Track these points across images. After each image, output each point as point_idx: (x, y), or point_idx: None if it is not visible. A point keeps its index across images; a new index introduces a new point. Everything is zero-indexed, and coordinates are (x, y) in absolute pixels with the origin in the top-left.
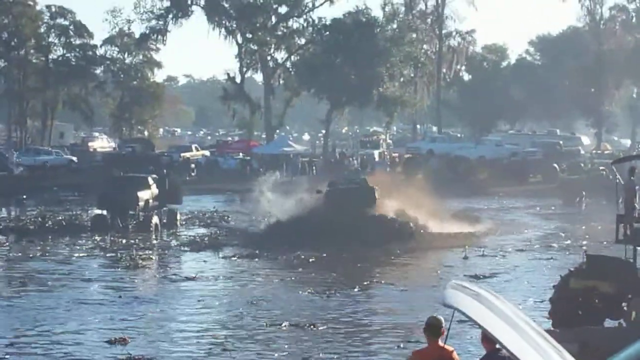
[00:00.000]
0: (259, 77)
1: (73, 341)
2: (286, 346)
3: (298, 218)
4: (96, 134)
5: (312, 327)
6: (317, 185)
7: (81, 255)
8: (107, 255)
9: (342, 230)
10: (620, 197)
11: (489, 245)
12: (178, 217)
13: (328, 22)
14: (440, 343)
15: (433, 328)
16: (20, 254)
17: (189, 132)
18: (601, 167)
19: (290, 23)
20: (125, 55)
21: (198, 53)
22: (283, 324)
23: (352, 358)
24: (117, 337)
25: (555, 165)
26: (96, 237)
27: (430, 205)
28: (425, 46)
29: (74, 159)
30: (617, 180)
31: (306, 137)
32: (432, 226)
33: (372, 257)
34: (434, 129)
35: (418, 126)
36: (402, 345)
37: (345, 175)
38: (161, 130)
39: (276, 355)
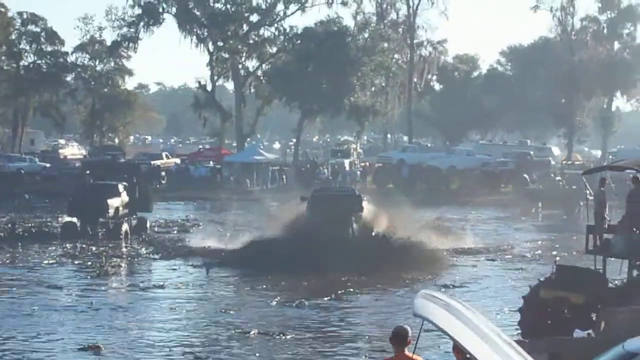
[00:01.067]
0: (230, 85)
1: (44, 348)
2: (257, 354)
3: (279, 237)
4: (62, 141)
5: (281, 335)
6: (289, 194)
7: (50, 262)
8: (77, 262)
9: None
10: (591, 209)
11: (459, 255)
12: (148, 225)
13: (300, 31)
14: (408, 353)
15: (399, 337)
16: None
17: (161, 140)
18: (557, 178)
19: (261, 31)
20: (97, 63)
21: (169, 61)
22: (252, 332)
23: None
24: (90, 345)
25: (526, 175)
26: (66, 245)
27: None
28: (396, 55)
29: (48, 165)
30: (587, 192)
31: (277, 145)
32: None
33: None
34: (405, 138)
35: (389, 135)
36: (367, 355)
37: (331, 185)
38: (132, 137)
39: None
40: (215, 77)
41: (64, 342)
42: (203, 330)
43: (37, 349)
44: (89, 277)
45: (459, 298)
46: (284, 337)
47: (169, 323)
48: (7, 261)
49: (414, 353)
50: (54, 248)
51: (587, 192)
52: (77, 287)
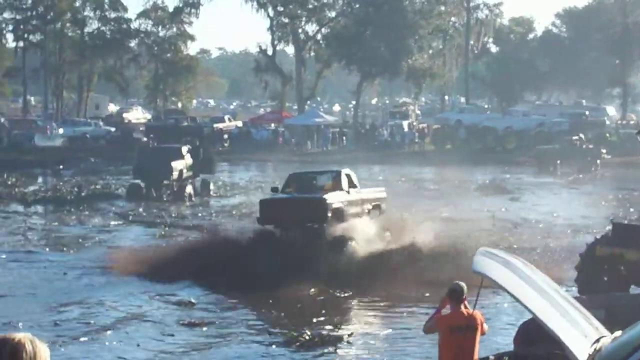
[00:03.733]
0: (290, 49)
1: (134, 304)
2: None
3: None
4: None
5: None
6: (349, 156)
7: (118, 223)
8: (143, 223)
9: None
10: None
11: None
12: (211, 187)
13: None
14: (464, 309)
15: (455, 294)
16: (57, 223)
17: (232, 105)
18: (574, 137)
19: None
20: (160, 29)
21: (231, 26)
22: None
23: None
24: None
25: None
26: (131, 206)
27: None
28: (453, 18)
29: (112, 129)
30: None
31: (337, 108)
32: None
33: None
34: (462, 100)
35: (446, 97)
36: None
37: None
38: (195, 101)
39: None
40: (276, 42)
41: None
42: None
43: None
44: (155, 237)
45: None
46: None
47: None
48: (74, 223)
49: (474, 309)
50: (119, 210)
51: None
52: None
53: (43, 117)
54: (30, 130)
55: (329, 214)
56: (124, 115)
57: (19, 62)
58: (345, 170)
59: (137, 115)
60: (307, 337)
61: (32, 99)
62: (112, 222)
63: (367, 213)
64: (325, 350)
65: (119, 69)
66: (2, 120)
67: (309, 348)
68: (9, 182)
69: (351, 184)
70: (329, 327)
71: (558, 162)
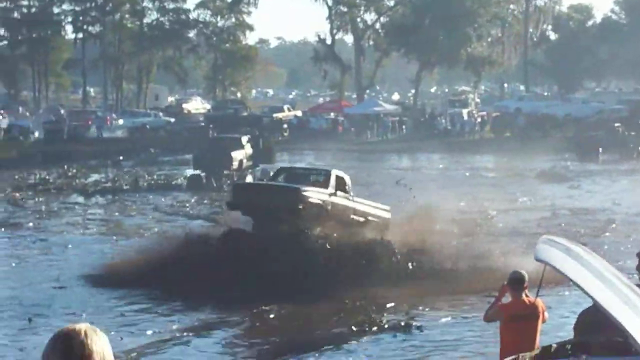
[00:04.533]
0: (349, 38)
1: None
2: None
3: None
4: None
5: None
6: (408, 145)
7: (177, 214)
8: (204, 212)
9: None
10: None
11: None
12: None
13: None
14: (525, 297)
15: (516, 282)
16: (117, 213)
17: (291, 95)
18: (616, 124)
19: None
20: (218, 19)
21: (289, 15)
22: None
23: None
24: None
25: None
26: (192, 197)
27: None
28: (512, 6)
29: (171, 120)
30: None
31: (396, 96)
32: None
33: None
34: (521, 87)
35: (505, 85)
36: None
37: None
38: (254, 91)
39: None
40: (335, 31)
41: None
42: None
43: None
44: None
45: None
46: None
47: None
48: (134, 213)
49: (537, 297)
50: (180, 200)
51: None
52: None
53: (102, 108)
54: (98, 121)
55: (301, 206)
56: (183, 105)
57: (78, 53)
58: (336, 172)
59: (196, 105)
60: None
61: (91, 90)
62: (171, 214)
63: (354, 223)
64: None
65: (178, 60)
66: (62, 111)
67: (378, 333)
68: (69, 174)
69: (341, 188)
70: (395, 315)
71: (600, 149)
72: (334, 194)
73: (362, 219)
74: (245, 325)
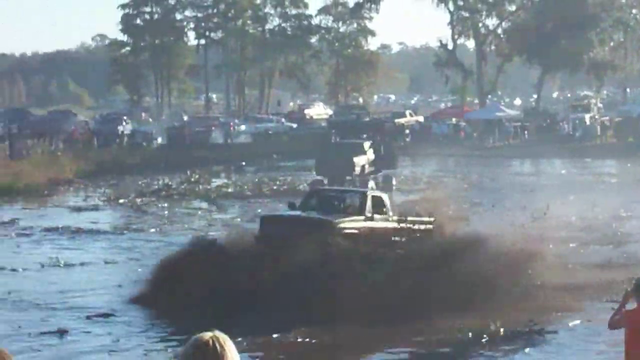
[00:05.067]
0: (470, 43)
1: None
2: None
3: None
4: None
5: None
6: (529, 150)
7: None
8: None
9: None
10: None
11: None
12: (393, 182)
13: None
14: None
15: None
16: (239, 219)
17: (413, 100)
18: None
19: None
20: (340, 24)
21: (411, 21)
22: None
23: None
24: None
25: None
26: None
27: None
28: (634, 10)
29: (294, 125)
30: None
31: (517, 101)
32: None
33: None
34: None
35: (628, 90)
36: None
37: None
38: (375, 96)
39: None
40: (456, 36)
41: None
42: None
43: None
44: None
45: None
46: None
47: None
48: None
49: None
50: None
51: None
52: None
53: (225, 114)
54: (224, 127)
55: (331, 240)
56: (306, 111)
57: (201, 59)
58: (372, 192)
59: (319, 110)
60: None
61: (213, 96)
62: None
63: (397, 244)
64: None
65: (300, 65)
66: (185, 117)
67: (499, 343)
68: (192, 179)
69: (378, 209)
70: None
71: None
72: (371, 218)
73: (404, 239)
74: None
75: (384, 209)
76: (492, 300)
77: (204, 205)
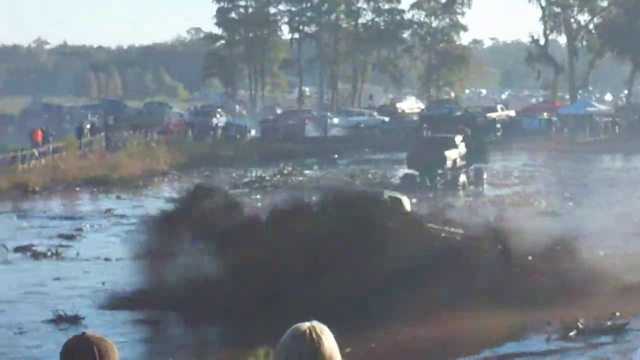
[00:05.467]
0: (562, 39)
1: None
2: None
3: None
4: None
5: None
6: (620, 145)
7: None
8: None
9: None
10: None
11: None
12: (484, 176)
13: None
14: None
15: None
16: None
17: (504, 95)
18: None
19: None
20: (432, 19)
21: (502, 16)
22: None
23: None
24: None
25: None
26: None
27: None
28: None
29: (386, 119)
30: None
31: (609, 97)
32: None
33: None
34: None
35: None
36: None
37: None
38: (467, 91)
39: None
40: (548, 31)
41: None
42: None
43: None
44: None
45: None
46: None
47: None
48: None
49: None
50: None
51: None
52: None
53: (318, 107)
54: (322, 120)
55: None
56: (397, 105)
57: (294, 53)
58: (389, 193)
59: (411, 104)
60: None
61: (307, 89)
62: None
63: None
64: (603, 340)
65: (393, 60)
66: (278, 110)
67: (586, 336)
68: (285, 172)
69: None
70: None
71: None
72: None
73: None
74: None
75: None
76: (587, 295)
77: None
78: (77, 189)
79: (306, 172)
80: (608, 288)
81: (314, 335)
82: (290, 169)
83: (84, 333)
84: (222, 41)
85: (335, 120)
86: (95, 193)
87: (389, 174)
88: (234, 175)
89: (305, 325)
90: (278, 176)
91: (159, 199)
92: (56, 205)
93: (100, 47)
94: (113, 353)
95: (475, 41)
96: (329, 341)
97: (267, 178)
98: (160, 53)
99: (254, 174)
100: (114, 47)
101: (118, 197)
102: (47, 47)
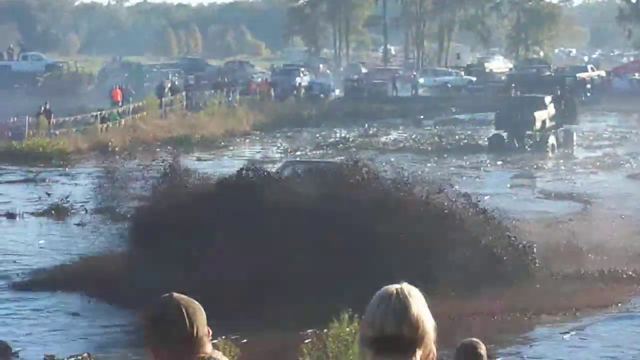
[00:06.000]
0: None
1: None
2: None
3: None
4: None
5: None
6: None
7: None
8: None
9: None
10: None
11: None
12: (574, 138)
13: None
14: None
15: None
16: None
17: (594, 54)
18: None
19: None
20: None
21: None
22: None
23: None
24: None
25: None
26: (493, 156)
27: None
28: None
29: (473, 79)
30: None
31: None
32: None
33: None
34: None
35: None
36: None
37: None
38: (556, 50)
39: None
40: None
41: None
42: None
43: None
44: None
45: None
46: None
47: None
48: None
49: None
50: (482, 160)
51: None
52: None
53: (404, 66)
54: (412, 80)
55: None
56: (485, 64)
57: (379, 11)
58: None
59: (498, 64)
60: None
61: (392, 48)
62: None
63: None
64: None
65: (480, 18)
66: (363, 69)
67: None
68: (370, 132)
69: None
70: None
71: None
72: None
73: None
74: None
75: None
76: None
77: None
78: (157, 149)
79: (391, 132)
80: None
81: (402, 297)
82: (374, 129)
83: (171, 294)
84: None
85: (421, 80)
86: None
87: (476, 135)
88: (317, 135)
89: (394, 287)
90: (362, 137)
91: (239, 160)
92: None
93: (180, 5)
94: (201, 315)
95: None
96: (417, 303)
97: (351, 139)
98: (242, 10)
99: (337, 135)
100: (195, 5)
101: (198, 159)
102: (126, 4)
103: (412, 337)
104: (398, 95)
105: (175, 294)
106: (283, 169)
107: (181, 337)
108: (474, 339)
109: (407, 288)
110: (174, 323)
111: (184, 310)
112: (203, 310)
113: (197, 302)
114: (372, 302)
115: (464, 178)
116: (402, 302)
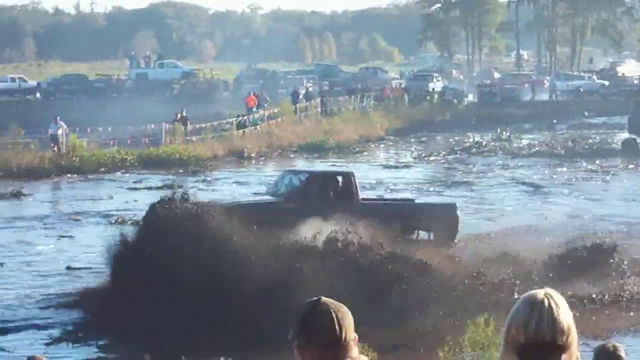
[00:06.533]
0: None
1: None
2: None
3: None
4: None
5: None
6: None
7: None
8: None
9: None
10: None
11: None
12: None
13: None
14: None
15: None
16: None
17: None
18: None
19: None
20: None
21: None
22: None
23: None
24: None
25: None
26: (625, 161)
27: None
28: None
29: (606, 83)
30: None
31: None
32: None
33: None
34: None
35: None
36: None
37: None
38: None
39: None
40: None
41: None
42: None
43: None
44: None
45: None
46: None
47: None
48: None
49: None
50: (615, 164)
51: None
52: None
53: (536, 71)
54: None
55: None
56: (617, 68)
57: (512, 16)
58: None
59: (631, 68)
60: None
61: (524, 53)
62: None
63: None
64: None
65: (612, 22)
66: (496, 74)
67: None
68: (503, 137)
69: None
70: None
71: None
72: None
73: None
74: None
75: None
76: None
77: (513, 163)
78: (292, 155)
79: (524, 137)
80: None
81: (552, 303)
82: (507, 134)
83: (320, 298)
84: (439, 5)
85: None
86: (309, 159)
87: (609, 139)
88: (450, 140)
89: (541, 292)
90: (495, 141)
91: (375, 165)
92: (269, 171)
93: (313, 12)
94: (349, 319)
95: None
96: (565, 309)
97: (484, 143)
98: (375, 17)
99: (471, 139)
100: (328, 12)
101: (333, 164)
102: (261, 12)
103: (562, 344)
104: (535, 99)
105: (324, 298)
106: (282, 178)
107: (330, 341)
108: (614, 342)
109: (554, 293)
110: (324, 327)
111: (333, 314)
112: (351, 315)
113: (345, 307)
114: (521, 308)
115: (592, 182)
116: (553, 309)
